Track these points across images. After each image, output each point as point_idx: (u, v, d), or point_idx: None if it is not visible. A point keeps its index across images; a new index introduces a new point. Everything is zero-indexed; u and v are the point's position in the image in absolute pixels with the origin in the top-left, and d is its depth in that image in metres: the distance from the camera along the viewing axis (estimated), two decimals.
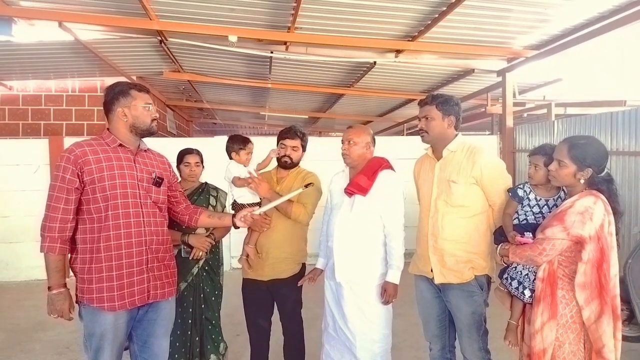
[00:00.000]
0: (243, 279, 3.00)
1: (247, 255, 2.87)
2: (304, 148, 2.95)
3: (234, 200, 2.89)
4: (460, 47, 5.74)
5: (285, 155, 2.88)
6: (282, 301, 2.95)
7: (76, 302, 2.11)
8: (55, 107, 7.72)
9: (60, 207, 2.01)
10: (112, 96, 2.13)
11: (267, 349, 3.07)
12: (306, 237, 3.02)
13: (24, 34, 5.30)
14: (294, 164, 2.92)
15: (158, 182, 2.22)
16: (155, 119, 2.19)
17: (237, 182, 2.82)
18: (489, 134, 8.47)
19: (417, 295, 2.61)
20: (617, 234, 2.03)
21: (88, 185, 2.03)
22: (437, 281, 2.42)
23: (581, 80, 7.77)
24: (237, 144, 2.89)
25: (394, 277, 2.51)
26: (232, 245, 6.35)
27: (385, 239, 2.56)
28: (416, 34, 5.37)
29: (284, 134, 2.91)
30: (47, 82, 7.69)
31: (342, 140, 2.66)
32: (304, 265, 2.95)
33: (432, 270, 2.43)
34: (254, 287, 2.92)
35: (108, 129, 2.17)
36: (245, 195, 2.87)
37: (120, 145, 2.14)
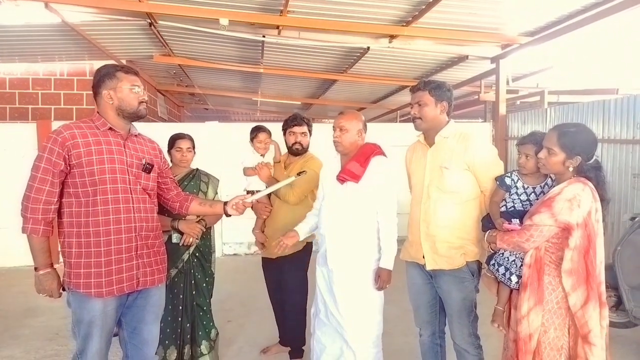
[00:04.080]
0: (261, 257, 3.28)
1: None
2: (310, 133, 3.13)
3: (245, 189, 3.04)
4: (454, 32, 5.69)
5: (296, 142, 3.05)
6: (285, 277, 3.10)
7: (63, 289, 2.08)
8: (44, 91, 7.58)
9: (45, 189, 1.96)
10: (99, 78, 2.08)
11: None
12: None
13: (9, 15, 5.16)
14: (304, 150, 3.10)
15: (148, 168, 2.17)
16: (143, 102, 2.12)
17: (246, 171, 3.07)
18: (482, 122, 8.45)
19: (408, 281, 2.62)
20: (603, 221, 2.05)
21: (76, 168, 1.98)
22: (428, 267, 2.42)
23: (574, 68, 7.76)
24: (251, 134, 3.14)
25: (388, 263, 2.51)
26: (224, 231, 6.34)
27: (377, 225, 2.55)
28: (410, 19, 5.31)
29: (291, 122, 3.06)
30: (34, 66, 7.53)
31: (333, 127, 2.63)
32: (308, 244, 3.10)
33: (423, 257, 2.43)
34: (268, 264, 3.21)
35: (98, 112, 2.12)
36: (253, 183, 3.04)
37: (110, 129, 2.09)
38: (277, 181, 2.84)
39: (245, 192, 2.92)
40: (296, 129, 3.03)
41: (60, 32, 5.97)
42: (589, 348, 1.96)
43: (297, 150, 3.06)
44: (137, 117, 2.13)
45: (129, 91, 2.07)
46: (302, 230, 2.78)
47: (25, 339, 3.75)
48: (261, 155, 3.10)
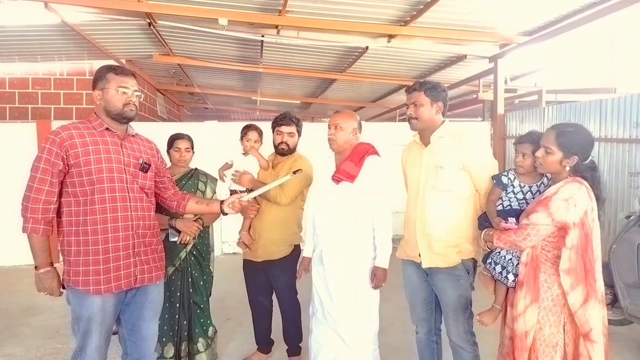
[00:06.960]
0: (243, 259, 3.17)
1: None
2: (299, 133, 3.06)
3: (229, 188, 2.97)
4: (452, 32, 5.71)
5: (282, 142, 2.98)
6: (275, 282, 3.07)
7: (63, 287, 2.11)
8: (43, 90, 7.60)
9: (45, 189, 1.99)
10: (93, 79, 2.13)
11: (269, 325, 3.22)
12: (300, 221, 3.08)
13: (9, 15, 5.17)
14: (291, 150, 3.02)
15: (145, 167, 2.20)
16: (129, 104, 2.10)
17: (220, 172, 3.01)
18: (480, 120, 8.47)
19: (405, 279, 2.64)
20: (598, 219, 2.07)
21: (74, 168, 2.01)
22: (424, 265, 2.45)
23: (572, 67, 7.77)
24: (241, 132, 3.07)
25: (383, 261, 2.54)
26: (223, 230, 6.36)
27: (373, 224, 2.57)
28: (409, 18, 5.33)
29: (280, 121, 2.99)
30: (34, 66, 7.55)
31: (328, 125, 2.65)
32: (296, 247, 3.02)
33: (419, 255, 2.46)
34: (251, 267, 3.09)
35: (95, 112, 2.15)
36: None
37: (107, 129, 2.12)
38: (264, 183, 2.78)
39: (229, 193, 2.86)
40: (284, 128, 2.97)
41: (60, 32, 5.98)
42: (591, 346, 1.98)
43: (282, 150, 2.99)
44: (123, 118, 2.13)
45: (115, 92, 2.08)
46: (310, 250, 2.82)
47: (26, 338, 3.77)
48: (244, 154, 3.01)
